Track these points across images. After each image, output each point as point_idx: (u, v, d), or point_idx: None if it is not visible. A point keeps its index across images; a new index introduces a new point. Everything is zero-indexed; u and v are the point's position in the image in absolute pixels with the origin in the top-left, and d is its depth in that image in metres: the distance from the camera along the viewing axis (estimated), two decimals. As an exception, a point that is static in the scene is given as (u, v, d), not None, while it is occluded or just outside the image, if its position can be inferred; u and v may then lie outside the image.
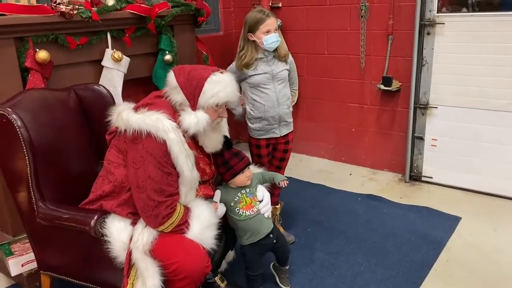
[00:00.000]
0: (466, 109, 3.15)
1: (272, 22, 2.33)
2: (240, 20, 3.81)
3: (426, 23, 3.15)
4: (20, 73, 2.27)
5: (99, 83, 2.61)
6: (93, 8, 2.47)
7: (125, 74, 2.73)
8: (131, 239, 1.74)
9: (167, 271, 1.70)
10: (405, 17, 3.24)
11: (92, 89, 2.21)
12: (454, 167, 3.29)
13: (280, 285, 2.25)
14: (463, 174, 3.27)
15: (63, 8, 2.30)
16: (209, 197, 1.96)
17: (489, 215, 2.92)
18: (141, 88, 2.84)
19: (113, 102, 2.18)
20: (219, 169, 2.02)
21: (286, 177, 2.24)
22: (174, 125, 1.69)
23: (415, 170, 3.48)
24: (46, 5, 2.31)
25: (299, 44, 3.80)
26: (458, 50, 3.10)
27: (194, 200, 1.84)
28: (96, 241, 1.74)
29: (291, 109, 2.54)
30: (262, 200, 2.06)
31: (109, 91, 2.25)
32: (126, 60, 2.71)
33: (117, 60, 2.64)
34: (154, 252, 1.72)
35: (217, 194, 2.01)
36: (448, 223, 2.84)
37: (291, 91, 2.57)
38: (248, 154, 2.57)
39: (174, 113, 1.76)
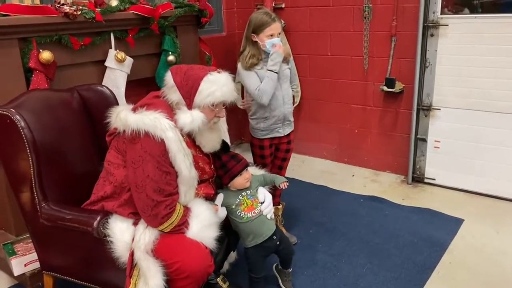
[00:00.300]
0: (469, 111, 3.15)
1: (277, 26, 2.34)
2: (243, 21, 3.82)
3: (430, 24, 3.15)
4: (23, 73, 2.28)
5: (102, 83, 2.62)
6: (96, 9, 2.48)
7: (128, 75, 2.74)
8: (133, 239, 1.74)
9: (169, 270, 1.70)
10: (409, 18, 3.23)
11: (95, 90, 2.21)
12: (457, 169, 3.29)
13: (283, 286, 2.25)
14: (466, 176, 3.26)
15: (66, 8, 2.31)
16: (209, 196, 1.96)
17: (492, 217, 2.91)
18: (144, 88, 2.84)
19: (116, 103, 2.19)
20: (217, 173, 2.03)
21: (287, 178, 2.24)
22: (172, 124, 1.70)
23: (418, 172, 3.47)
24: (50, 5, 2.32)
25: (302, 45, 3.80)
26: (461, 51, 3.09)
27: (194, 200, 1.84)
28: (99, 242, 1.74)
29: (292, 108, 2.56)
30: (263, 202, 2.06)
31: (112, 91, 2.25)
32: (129, 60, 2.72)
33: (120, 61, 2.65)
34: (156, 252, 1.72)
35: (220, 197, 2.01)
36: (450, 225, 2.83)
37: (292, 89, 2.58)
38: (249, 155, 2.58)
39: (171, 112, 1.77)
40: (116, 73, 2.68)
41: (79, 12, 2.36)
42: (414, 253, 2.54)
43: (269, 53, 2.36)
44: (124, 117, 1.71)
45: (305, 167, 3.86)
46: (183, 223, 1.76)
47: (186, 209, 1.79)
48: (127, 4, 2.65)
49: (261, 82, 2.34)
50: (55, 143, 1.90)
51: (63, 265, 1.94)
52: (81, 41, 2.49)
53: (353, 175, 3.68)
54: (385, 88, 3.37)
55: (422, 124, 3.38)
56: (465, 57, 3.08)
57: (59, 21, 2.33)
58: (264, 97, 2.34)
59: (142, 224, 1.76)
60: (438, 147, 3.34)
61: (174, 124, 1.72)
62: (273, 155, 2.59)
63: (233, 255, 2.27)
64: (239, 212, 2.00)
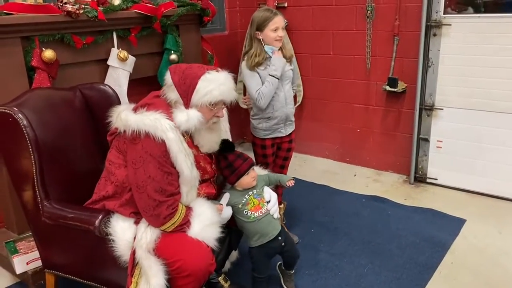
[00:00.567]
0: (472, 111, 3.14)
1: (279, 20, 2.34)
2: (246, 19, 3.82)
3: (433, 24, 3.14)
4: (26, 72, 2.29)
5: (105, 82, 2.62)
6: (99, 8, 2.48)
7: (130, 74, 2.74)
8: (135, 238, 1.75)
9: (171, 268, 1.71)
10: (411, 18, 3.23)
11: (98, 89, 2.22)
12: (459, 169, 3.28)
13: (284, 286, 2.25)
14: (468, 176, 3.25)
15: (69, 7, 2.31)
16: (211, 195, 1.96)
17: (494, 218, 2.91)
18: (146, 87, 2.83)
19: (118, 102, 2.19)
20: (223, 172, 2.02)
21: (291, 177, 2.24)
22: (172, 124, 1.70)
23: (420, 172, 3.46)
24: (52, 4, 2.33)
25: (304, 44, 3.80)
26: (464, 51, 3.08)
27: (196, 200, 1.85)
28: (101, 240, 1.75)
29: (294, 108, 2.56)
30: (269, 201, 2.06)
31: (114, 90, 2.25)
32: (131, 59, 2.72)
33: (123, 60, 2.65)
34: (158, 251, 1.72)
35: (226, 197, 2.00)
36: (452, 225, 2.82)
37: (293, 89, 2.58)
38: (251, 155, 2.58)
39: (170, 111, 1.76)
40: (119, 71, 2.68)
41: (81, 11, 2.36)
42: (416, 253, 2.54)
43: (270, 54, 2.36)
44: (125, 118, 1.71)
45: (307, 167, 3.86)
46: (185, 223, 1.76)
47: (188, 209, 1.80)
48: (129, 3, 2.65)
49: (262, 84, 2.35)
50: (57, 142, 1.91)
51: (65, 263, 1.94)
52: (84, 39, 2.49)
53: (355, 175, 3.67)
54: (388, 88, 3.36)
55: (425, 124, 3.37)
56: (468, 57, 3.08)
57: (61, 19, 2.33)
58: (262, 100, 2.35)
59: (143, 223, 1.76)
60: (441, 147, 3.34)
61: (175, 124, 1.72)
62: (275, 154, 2.59)
63: (234, 254, 2.28)
64: (245, 211, 2.00)
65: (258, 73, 2.37)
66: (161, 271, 1.69)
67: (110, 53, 2.65)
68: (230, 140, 2.10)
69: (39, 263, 2.12)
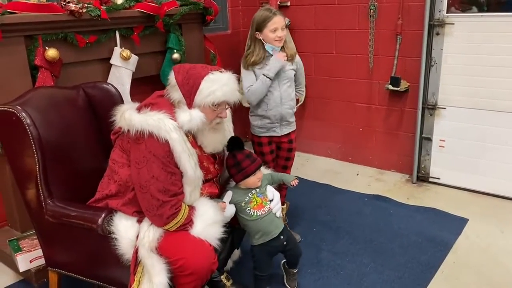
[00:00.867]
0: (474, 110, 3.13)
1: (279, 20, 2.33)
2: (248, 18, 3.81)
3: (436, 23, 3.13)
4: (29, 71, 2.30)
5: (108, 81, 2.63)
6: (102, 7, 2.49)
7: (133, 73, 2.75)
8: (137, 237, 1.75)
9: (173, 267, 1.71)
10: (414, 17, 3.22)
11: (101, 88, 2.22)
12: (462, 168, 3.28)
13: (287, 285, 2.26)
14: (471, 176, 3.25)
15: (72, 6, 2.32)
16: (213, 195, 1.96)
17: (497, 217, 2.90)
18: (149, 86, 2.84)
19: (121, 101, 2.20)
20: (230, 170, 2.02)
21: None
22: (176, 124, 1.70)
23: (423, 171, 3.46)
24: (55, 3, 2.34)
25: (307, 43, 3.80)
26: (467, 50, 3.08)
27: (199, 199, 1.85)
28: (103, 239, 1.75)
29: (294, 109, 2.53)
30: (272, 200, 2.06)
31: (117, 89, 2.26)
32: (134, 58, 2.73)
33: (126, 59, 2.66)
34: (161, 249, 1.73)
35: (228, 195, 2.01)
36: (455, 224, 2.82)
37: (297, 91, 2.56)
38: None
39: (173, 111, 1.76)
40: (121, 70, 2.69)
41: (84, 10, 2.37)
42: (418, 252, 2.54)
43: (271, 53, 2.36)
44: (129, 117, 1.71)
45: (309, 166, 3.86)
46: (188, 222, 1.77)
47: (191, 208, 1.80)
48: (132, 2, 2.66)
49: (253, 82, 2.36)
50: (61, 140, 1.91)
51: (68, 261, 1.95)
52: (87, 38, 2.50)
53: (357, 174, 3.67)
54: (390, 87, 3.36)
55: (427, 123, 3.36)
56: (470, 56, 3.07)
57: (65, 19, 2.34)
58: (252, 97, 2.37)
59: (146, 222, 1.77)
60: (443, 146, 3.33)
61: (178, 124, 1.72)
62: (276, 154, 2.59)
63: (236, 253, 2.28)
64: (248, 210, 2.00)
65: (254, 72, 2.38)
66: (164, 269, 1.69)
67: (113, 52, 2.66)
68: None
69: (42, 261, 2.13)
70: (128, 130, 1.72)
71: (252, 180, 2.01)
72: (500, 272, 2.36)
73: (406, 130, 3.50)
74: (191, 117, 1.75)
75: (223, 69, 1.85)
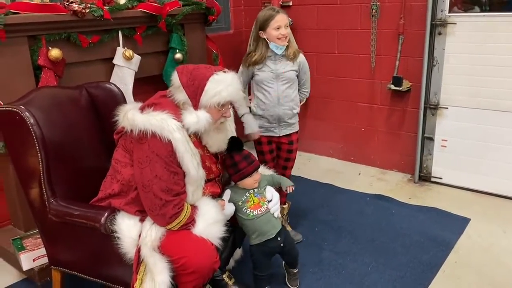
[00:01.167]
0: (476, 110, 3.13)
1: (282, 18, 2.33)
2: (251, 18, 3.82)
3: (438, 23, 3.13)
4: (33, 71, 2.31)
5: (110, 81, 2.64)
6: (105, 7, 2.50)
7: (136, 72, 2.76)
8: (140, 236, 1.76)
9: (175, 265, 1.72)
10: (416, 17, 3.22)
11: (103, 87, 2.23)
12: (464, 168, 3.27)
13: (288, 284, 2.26)
14: (473, 175, 3.24)
15: (75, 6, 2.33)
16: (215, 195, 1.98)
17: (499, 217, 2.90)
18: (151, 86, 2.86)
19: (124, 100, 2.21)
20: (228, 170, 2.04)
21: (293, 176, 2.24)
22: (179, 125, 1.71)
23: (425, 171, 3.46)
24: (59, 3, 2.35)
25: (309, 42, 3.80)
26: (469, 50, 3.08)
27: (201, 199, 1.86)
28: (106, 238, 1.76)
29: (295, 111, 2.50)
30: (271, 200, 2.07)
31: (120, 89, 2.27)
32: (137, 58, 2.74)
33: (128, 59, 2.67)
34: (163, 248, 1.74)
35: (227, 193, 2.03)
36: (457, 224, 2.82)
37: (300, 93, 2.54)
38: (254, 153, 2.58)
39: (178, 112, 1.78)
40: (124, 70, 2.69)
41: (87, 10, 2.38)
42: (420, 252, 2.54)
43: (275, 52, 2.36)
44: (132, 117, 1.72)
45: (311, 165, 3.87)
46: (191, 222, 1.78)
47: (193, 208, 1.81)
48: (135, 2, 2.67)
49: (244, 83, 2.43)
50: (64, 140, 1.93)
51: (71, 260, 1.96)
52: (90, 39, 2.51)
53: (359, 174, 3.67)
54: (392, 87, 3.36)
55: (429, 123, 3.36)
56: (473, 55, 3.07)
57: (68, 19, 2.35)
58: None
59: (148, 221, 1.78)
60: (445, 146, 3.33)
61: (181, 124, 1.73)
62: (276, 154, 2.59)
63: (238, 252, 2.29)
64: (245, 209, 2.02)
65: (253, 72, 2.41)
66: (166, 268, 1.70)
67: (115, 52, 2.67)
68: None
69: (45, 260, 2.14)
70: (131, 130, 1.73)
71: (249, 182, 2.02)
72: (502, 272, 2.36)
73: (408, 130, 3.50)
74: (198, 118, 1.76)
75: (226, 69, 1.86)
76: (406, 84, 3.34)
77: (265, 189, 2.09)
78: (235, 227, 2.09)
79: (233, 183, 2.10)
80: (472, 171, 3.24)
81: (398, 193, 3.28)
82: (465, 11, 3.08)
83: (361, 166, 3.79)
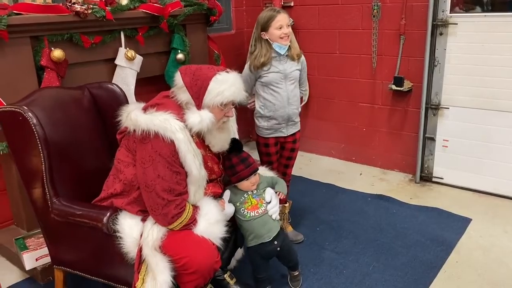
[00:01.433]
0: (478, 110, 3.13)
1: (283, 17, 2.34)
2: (252, 19, 3.82)
3: (439, 23, 3.14)
4: (35, 71, 2.32)
5: (113, 81, 2.65)
6: (107, 8, 2.51)
7: (138, 73, 2.77)
8: (141, 235, 1.77)
9: (177, 265, 1.73)
10: (418, 17, 3.22)
11: (106, 88, 2.24)
12: (465, 168, 3.27)
13: (290, 285, 2.26)
14: (474, 175, 3.25)
15: (78, 7, 2.34)
16: (217, 195, 1.99)
17: (500, 217, 2.90)
18: (153, 86, 2.88)
19: (126, 101, 2.22)
20: (226, 172, 2.05)
21: (294, 176, 2.23)
22: (181, 125, 1.72)
23: (426, 171, 3.46)
24: (61, 4, 2.36)
25: (310, 43, 3.80)
26: (470, 50, 3.08)
27: (203, 199, 1.87)
28: (108, 237, 1.77)
29: (299, 109, 2.55)
30: (270, 202, 2.07)
31: (122, 89, 2.28)
32: (139, 58, 2.75)
33: (130, 59, 2.68)
34: (164, 248, 1.74)
35: (227, 193, 2.03)
36: (458, 224, 2.82)
37: (300, 91, 2.57)
38: (256, 153, 2.59)
39: (181, 112, 1.79)
40: (126, 71, 2.71)
41: (90, 11, 2.39)
42: (421, 252, 2.54)
43: (279, 52, 2.37)
44: (135, 117, 1.73)
45: (312, 165, 3.87)
46: (192, 222, 1.79)
47: (195, 208, 1.82)
48: (137, 2, 2.68)
49: (249, 86, 2.41)
50: (66, 140, 1.94)
51: (73, 260, 1.97)
52: (92, 39, 2.52)
53: (360, 174, 3.68)
54: (394, 87, 3.36)
55: (431, 123, 3.37)
56: (474, 56, 3.07)
57: (70, 19, 2.36)
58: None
59: (150, 221, 1.79)
60: (447, 146, 3.33)
61: (184, 124, 1.74)
62: (279, 153, 2.60)
63: (240, 252, 2.29)
64: (242, 210, 2.02)
65: (258, 75, 2.39)
66: (167, 268, 1.71)
67: (117, 53, 2.68)
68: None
69: (48, 259, 2.15)
70: (134, 130, 1.74)
71: (246, 184, 2.03)
72: (503, 272, 2.36)
73: (409, 130, 3.50)
74: (201, 118, 1.77)
75: (228, 69, 1.87)
76: (407, 84, 3.34)
77: (264, 190, 2.09)
78: (236, 227, 2.10)
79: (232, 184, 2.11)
80: (473, 171, 3.25)
81: (399, 193, 3.28)
82: (466, 11, 3.08)
83: (363, 166, 3.80)
